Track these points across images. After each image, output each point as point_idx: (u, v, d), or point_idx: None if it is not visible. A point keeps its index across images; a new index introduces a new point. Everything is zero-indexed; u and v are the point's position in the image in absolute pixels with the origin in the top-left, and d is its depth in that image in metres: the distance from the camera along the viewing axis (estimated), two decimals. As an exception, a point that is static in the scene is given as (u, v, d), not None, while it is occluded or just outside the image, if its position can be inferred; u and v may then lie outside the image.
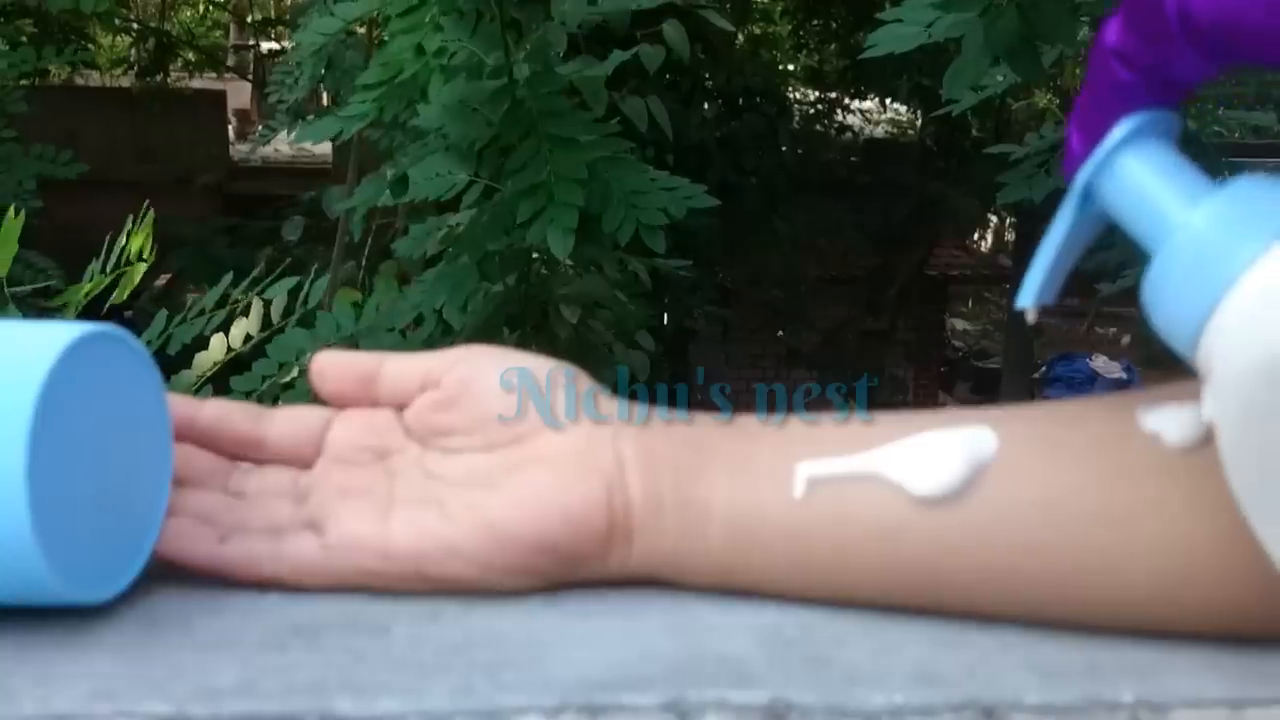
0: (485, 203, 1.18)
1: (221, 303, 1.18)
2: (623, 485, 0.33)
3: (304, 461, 0.37)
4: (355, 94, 1.12)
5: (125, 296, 1.02)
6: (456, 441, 0.36)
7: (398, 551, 0.33)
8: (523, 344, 1.28)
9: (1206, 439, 0.31)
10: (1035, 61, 1.04)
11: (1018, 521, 0.32)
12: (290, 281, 1.19)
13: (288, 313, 1.18)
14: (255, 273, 1.21)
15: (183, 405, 0.37)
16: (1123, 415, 0.33)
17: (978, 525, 0.32)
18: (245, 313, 1.17)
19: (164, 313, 1.15)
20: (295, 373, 1.15)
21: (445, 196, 1.20)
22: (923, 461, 0.32)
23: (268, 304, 1.17)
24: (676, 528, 0.33)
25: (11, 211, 0.89)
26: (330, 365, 0.38)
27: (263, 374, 1.15)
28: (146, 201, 1.05)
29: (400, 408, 0.37)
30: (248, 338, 1.16)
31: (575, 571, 0.34)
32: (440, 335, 1.23)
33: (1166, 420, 0.32)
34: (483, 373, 0.36)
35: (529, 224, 1.05)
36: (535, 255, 1.24)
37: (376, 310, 1.24)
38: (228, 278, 1.20)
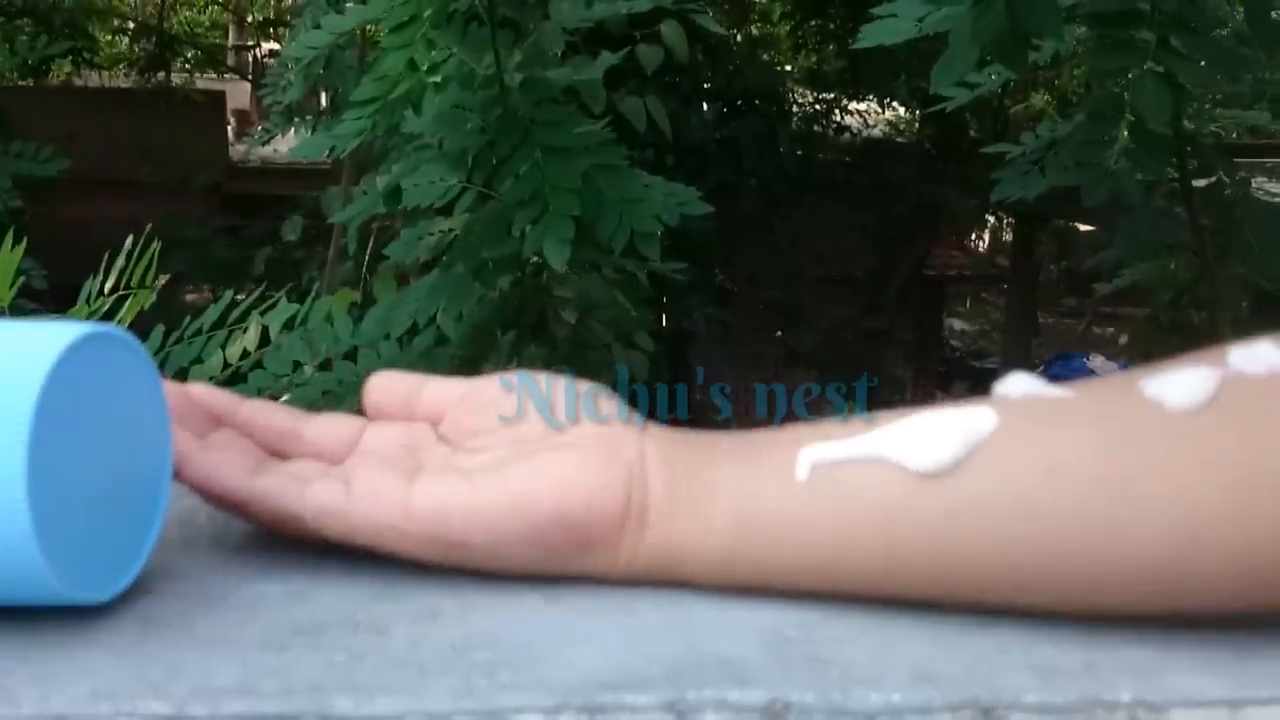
0: (479, 209, 1.18)
1: (219, 323, 1.18)
2: (643, 476, 0.35)
3: (337, 459, 0.39)
4: (349, 109, 1.13)
5: (129, 322, 1.02)
6: (485, 440, 0.38)
7: (419, 509, 0.34)
8: (519, 345, 1.28)
9: (1209, 400, 0.31)
10: (1023, 55, 1.04)
11: (1019, 486, 0.32)
12: (291, 308, 1.19)
13: (286, 329, 1.18)
14: (257, 292, 1.22)
15: (225, 398, 0.39)
16: (1124, 385, 0.33)
17: (979, 495, 0.32)
18: (243, 331, 1.17)
19: (160, 329, 1.15)
20: (294, 384, 1.15)
21: (439, 203, 1.21)
22: (921, 438, 0.32)
23: (266, 327, 1.18)
24: (686, 519, 0.34)
25: (9, 242, 0.90)
26: (381, 379, 0.41)
27: (259, 386, 1.15)
28: (149, 226, 1.05)
29: (434, 423, 0.40)
30: (245, 354, 1.17)
31: (586, 553, 0.34)
32: (436, 344, 1.23)
33: (1168, 385, 0.32)
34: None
35: (524, 233, 1.06)
36: (530, 260, 1.24)
37: (376, 321, 1.24)
38: (226, 296, 1.21)
